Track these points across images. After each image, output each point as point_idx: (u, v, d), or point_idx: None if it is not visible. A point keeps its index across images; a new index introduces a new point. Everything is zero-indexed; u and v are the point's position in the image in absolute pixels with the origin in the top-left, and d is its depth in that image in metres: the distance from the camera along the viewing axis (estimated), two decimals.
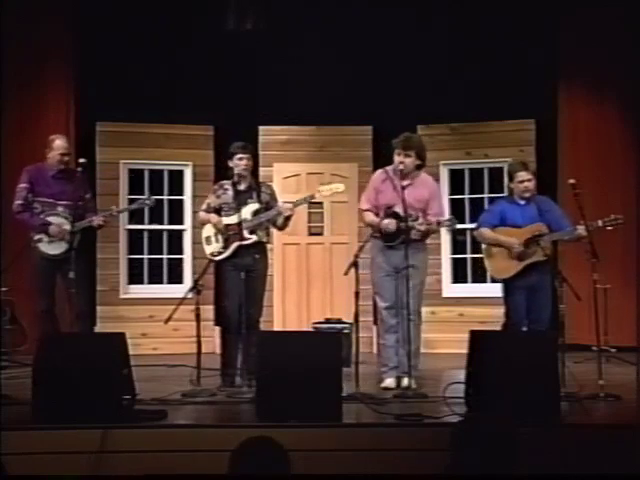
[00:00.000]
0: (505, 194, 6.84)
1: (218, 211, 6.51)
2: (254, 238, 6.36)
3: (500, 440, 3.00)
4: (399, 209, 6.16)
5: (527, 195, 6.36)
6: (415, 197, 6.24)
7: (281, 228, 6.59)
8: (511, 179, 6.45)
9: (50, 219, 6.52)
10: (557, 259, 6.58)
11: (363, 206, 6.47)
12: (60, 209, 6.41)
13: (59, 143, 6.64)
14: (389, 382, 6.23)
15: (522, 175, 6.35)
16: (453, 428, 3.14)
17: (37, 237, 6.57)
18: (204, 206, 6.64)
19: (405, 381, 6.11)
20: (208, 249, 6.51)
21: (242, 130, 7.80)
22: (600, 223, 6.05)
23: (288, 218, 6.46)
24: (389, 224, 6.18)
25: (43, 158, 6.83)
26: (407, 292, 6.05)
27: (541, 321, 6.26)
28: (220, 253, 6.42)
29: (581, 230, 6.05)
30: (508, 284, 6.38)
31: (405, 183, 6.22)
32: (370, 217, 6.38)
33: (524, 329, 6.30)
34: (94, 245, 8.25)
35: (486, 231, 6.48)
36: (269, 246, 6.81)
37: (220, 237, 6.45)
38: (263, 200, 6.46)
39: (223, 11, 8.41)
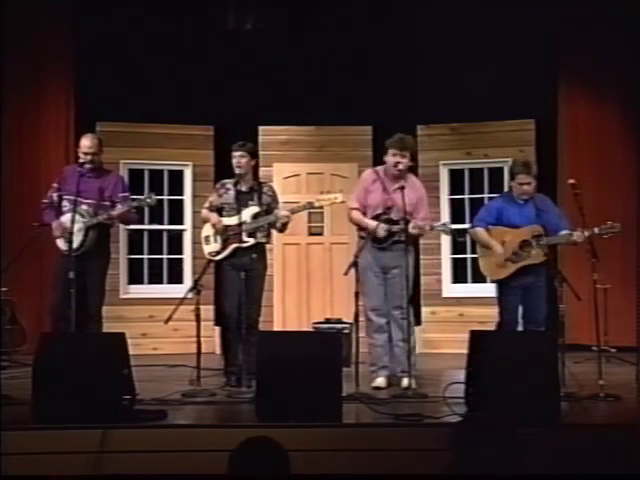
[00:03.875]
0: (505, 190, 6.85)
1: (220, 210, 6.51)
2: (251, 241, 6.35)
3: (500, 440, 3.00)
4: (393, 213, 6.16)
5: (525, 197, 6.36)
6: (406, 200, 6.21)
7: (280, 231, 6.60)
8: (512, 178, 6.44)
9: (67, 216, 6.50)
10: (557, 259, 6.58)
11: (352, 204, 6.44)
12: (84, 207, 6.39)
13: (82, 142, 6.62)
14: (380, 381, 6.21)
15: (522, 178, 6.31)
16: (453, 428, 3.15)
17: (55, 233, 6.59)
18: (207, 204, 6.65)
19: (405, 381, 6.11)
20: (207, 248, 6.52)
21: (242, 130, 7.79)
22: (596, 231, 6.03)
23: (285, 224, 6.46)
24: (381, 230, 6.18)
25: (45, 158, 6.81)
26: (397, 291, 6.06)
27: (537, 322, 6.25)
28: (218, 253, 6.43)
29: (577, 236, 6.05)
30: (502, 284, 6.38)
31: (397, 185, 6.21)
32: (357, 216, 6.37)
33: (519, 329, 6.31)
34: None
35: (480, 231, 6.44)
36: (269, 246, 6.81)
37: (219, 237, 6.45)
38: (264, 202, 6.45)
39: (223, 11, 8.41)
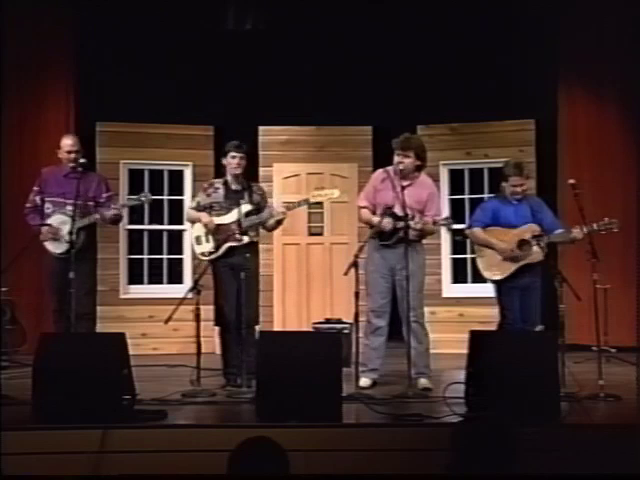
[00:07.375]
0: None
1: (207, 210, 6.49)
2: (246, 239, 6.35)
3: (500, 440, 3.00)
4: (397, 209, 6.17)
5: (517, 197, 6.39)
6: (414, 198, 6.24)
7: (270, 230, 6.60)
8: (505, 179, 6.46)
9: (55, 217, 6.51)
10: (557, 259, 6.58)
11: (361, 203, 6.48)
12: (69, 208, 6.38)
13: (64, 141, 6.66)
14: (364, 382, 6.15)
15: (515, 180, 6.39)
16: (453, 428, 3.15)
17: (46, 237, 6.57)
18: (193, 204, 6.64)
19: (423, 382, 6.11)
20: (198, 249, 6.50)
21: (242, 130, 7.80)
22: (595, 227, 6.06)
23: (280, 221, 6.46)
24: (387, 223, 6.17)
25: (45, 158, 6.81)
26: (408, 293, 6.03)
27: (532, 321, 6.32)
28: (211, 253, 6.41)
29: (576, 233, 6.08)
30: (501, 285, 6.40)
31: (404, 183, 6.22)
32: (367, 214, 6.40)
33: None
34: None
35: (478, 232, 6.48)
36: (269, 246, 6.81)
37: (210, 237, 6.43)
38: (255, 201, 6.46)
39: (223, 11, 8.41)
